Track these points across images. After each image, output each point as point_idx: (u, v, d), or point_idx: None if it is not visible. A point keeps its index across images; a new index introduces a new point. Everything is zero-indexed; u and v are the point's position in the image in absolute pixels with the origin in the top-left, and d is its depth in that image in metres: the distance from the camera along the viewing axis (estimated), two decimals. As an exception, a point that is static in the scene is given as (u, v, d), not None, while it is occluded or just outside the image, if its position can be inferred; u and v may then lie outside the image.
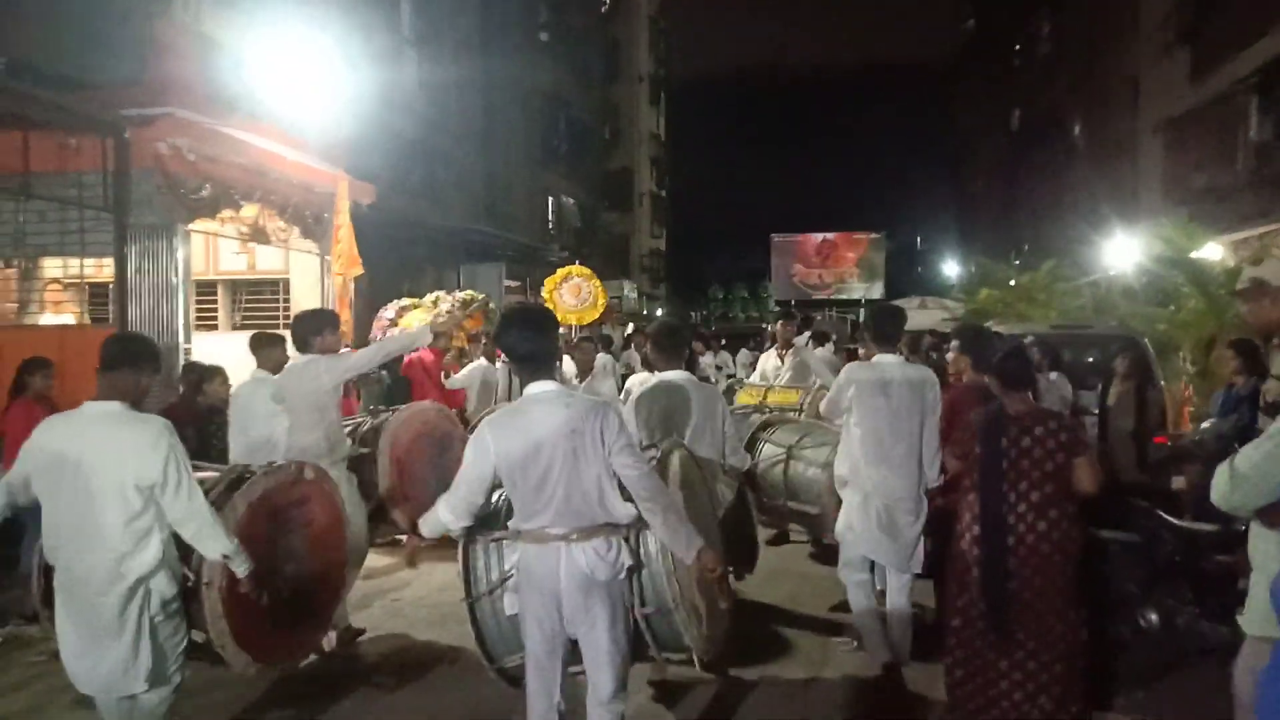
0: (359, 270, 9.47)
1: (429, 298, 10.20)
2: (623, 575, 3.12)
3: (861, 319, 13.89)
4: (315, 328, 5.08)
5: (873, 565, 4.76)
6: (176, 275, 7.93)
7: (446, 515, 3.20)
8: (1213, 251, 11.57)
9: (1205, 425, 6.42)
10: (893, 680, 4.50)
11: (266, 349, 5.51)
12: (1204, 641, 4.26)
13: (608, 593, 3.08)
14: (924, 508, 4.56)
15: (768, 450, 6.05)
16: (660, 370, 4.68)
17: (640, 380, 6.27)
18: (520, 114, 23.44)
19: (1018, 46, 30.66)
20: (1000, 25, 32.96)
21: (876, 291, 36.29)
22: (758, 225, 56.78)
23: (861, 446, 4.59)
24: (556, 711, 3.16)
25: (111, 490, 3.11)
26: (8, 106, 6.94)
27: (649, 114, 41.52)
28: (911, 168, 63.72)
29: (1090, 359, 8.87)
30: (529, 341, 3.17)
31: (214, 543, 3.29)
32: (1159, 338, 10.15)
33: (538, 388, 3.11)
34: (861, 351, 5.93)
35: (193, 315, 8.55)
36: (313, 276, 10.10)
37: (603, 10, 34.23)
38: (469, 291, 10.74)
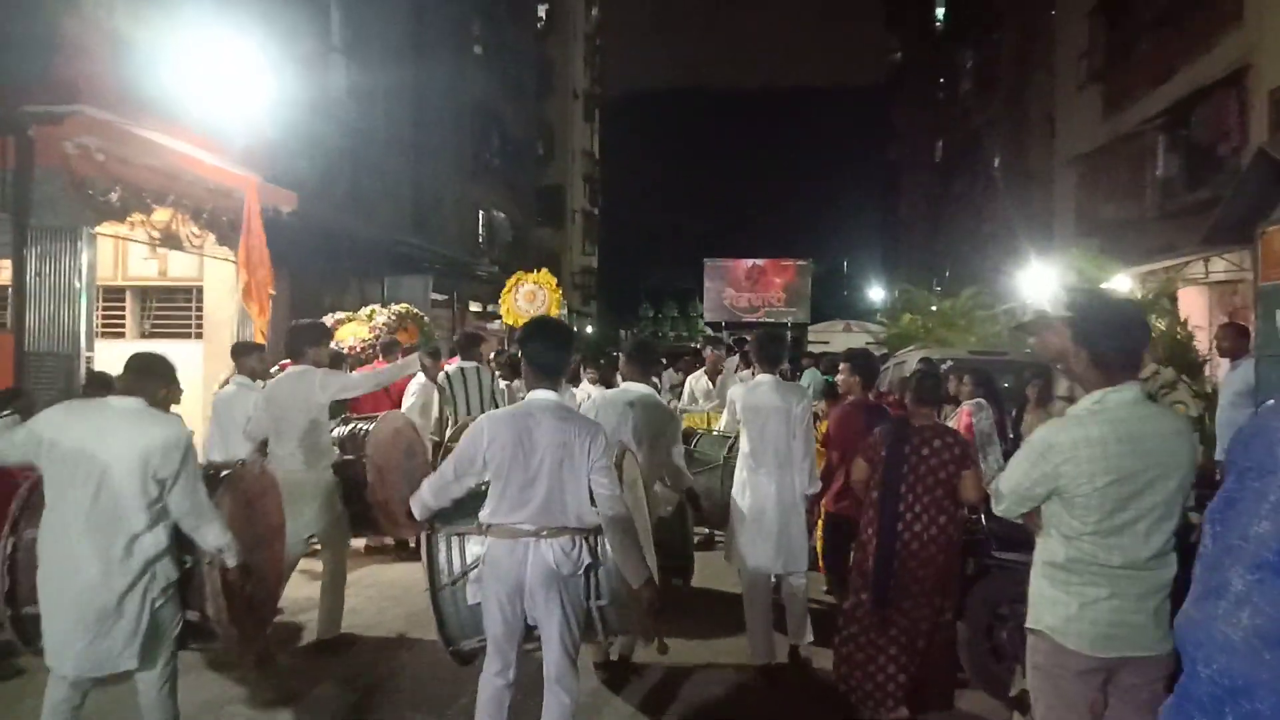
0: (269, 284, 9.07)
1: (363, 311, 10.20)
2: (581, 571, 3.41)
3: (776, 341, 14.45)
4: (313, 338, 5.33)
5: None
6: (80, 280, 7.59)
7: (429, 497, 3.52)
8: (1122, 282, 12.02)
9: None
10: (795, 662, 5.06)
11: (246, 356, 6.06)
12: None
13: (567, 586, 3.38)
14: (801, 511, 5.04)
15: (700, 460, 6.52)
16: (629, 381, 5.16)
17: (592, 392, 6.56)
18: (452, 126, 23.22)
19: (941, 80, 31.64)
20: (924, 58, 34.01)
21: (803, 315, 37.66)
22: (689, 244, 57.31)
23: (745, 458, 5.11)
24: (509, 688, 3.47)
25: (133, 478, 3.27)
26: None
27: (583, 130, 41.62)
28: (840, 192, 65.21)
29: (1005, 384, 9.08)
30: (550, 353, 3.54)
31: (212, 536, 3.49)
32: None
33: (541, 395, 3.45)
34: (750, 373, 6.55)
35: (97, 322, 8.19)
36: (228, 284, 9.77)
37: (538, 26, 34.24)
38: (403, 305, 10.78)
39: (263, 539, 4.23)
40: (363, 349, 9.23)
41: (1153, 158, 14.74)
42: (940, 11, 33.09)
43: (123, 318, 10.09)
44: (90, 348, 7.70)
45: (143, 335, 10.11)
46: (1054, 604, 2.70)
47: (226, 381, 6.39)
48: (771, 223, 68.11)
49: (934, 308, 18.59)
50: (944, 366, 7.39)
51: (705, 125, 74.95)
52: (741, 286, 42.52)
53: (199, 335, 9.90)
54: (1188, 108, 13.52)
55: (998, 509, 2.91)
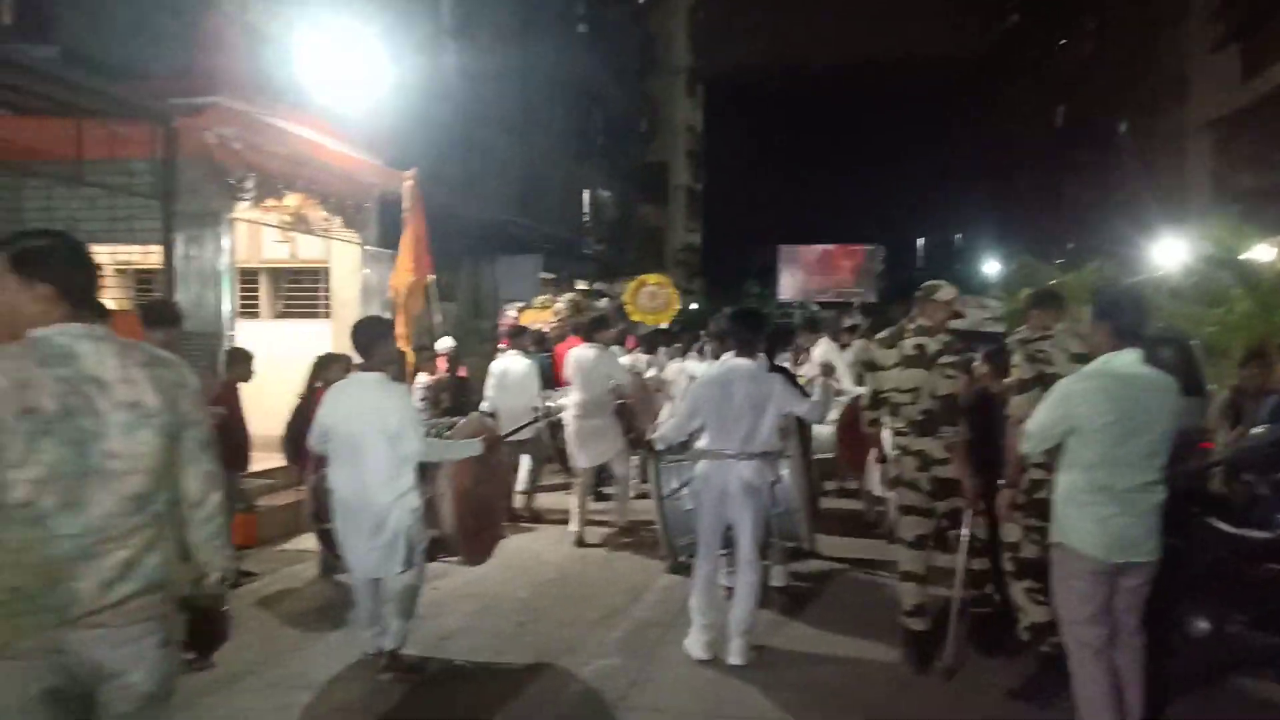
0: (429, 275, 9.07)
1: (539, 300, 12.55)
2: (767, 485, 4.84)
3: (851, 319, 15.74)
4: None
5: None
6: (221, 263, 8.02)
7: (670, 434, 5.14)
8: (1264, 253, 11.30)
9: (1255, 431, 6.26)
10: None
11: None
12: (1255, 653, 4.19)
13: (757, 495, 4.77)
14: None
15: None
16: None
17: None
18: (557, 106, 23.45)
19: (1061, 43, 30.16)
20: (1043, 21, 32.45)
21: (871, 295, 40.60)
22: (794, 219, 56.43)
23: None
24: (715, 570, 5.00)
25: (381, 431, 4.38)
26: (61, 95, 7.04)
27: (686, 107, 41.40)
28: (950, 164, 62.95)
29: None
30: (745, 331, 4.98)
31: (449, 453, 4.77)
32: (1207, 340, 9.93)
33: (740, 363, 4.84)
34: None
35: (237, 302, 8.65)
36: (352, 265, 10.18)
37: (641, 2, 34.12)
38: (573, 294, 13.61)
39: (485, 475, 5.26)
40: (552, 330, 10.35)
41: (1299, 119, 13.78)
42: (1060, -29, 31.48)
43: (257, 298, 10.62)
44: (232, 327, 8.15)
45: (276, 315, 10.63)
46: (1077, 522, 3.48)
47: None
48: (877, 196, 66.39)
49: (1054, 282, 17.85)
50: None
51: (809, 98, 73.27)
52: (813, 270, 46.90)
53: (326, 314, 10.35)
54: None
55: (1025, 447, 3.71)
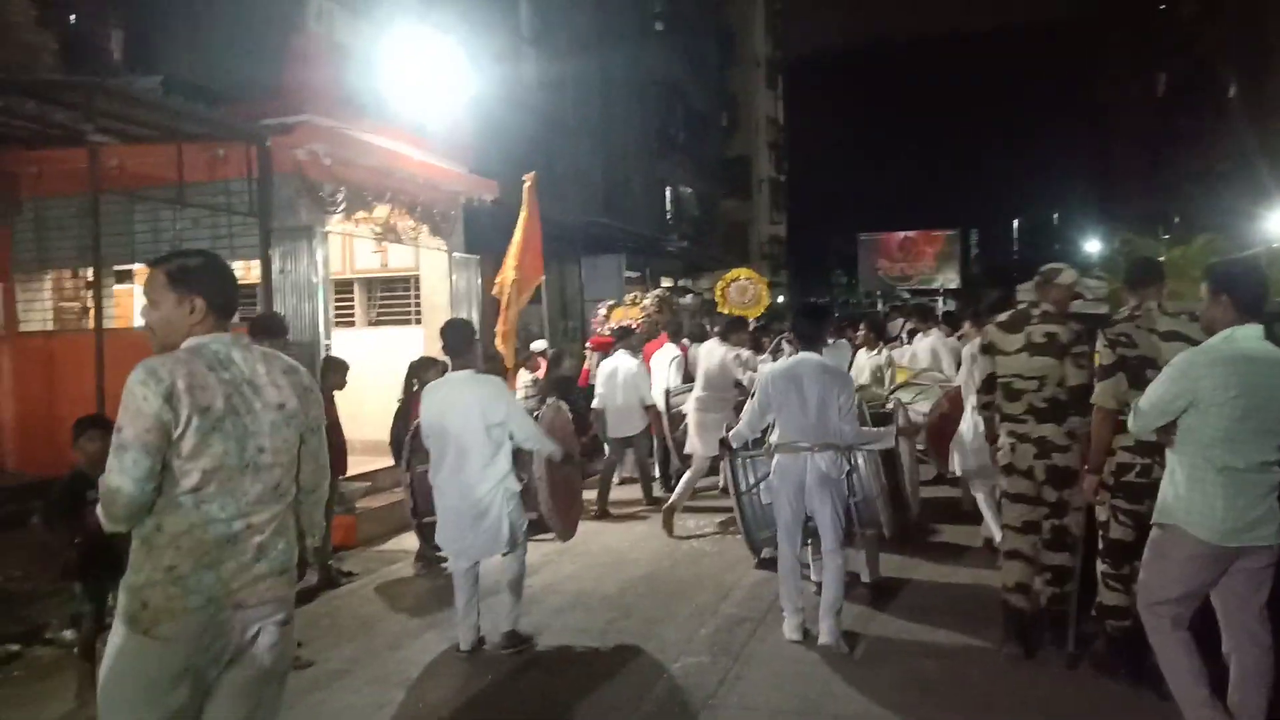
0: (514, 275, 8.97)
1: (628, 298, 12.53)
2: (843, 475, 4.87)
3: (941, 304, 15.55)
4: (470, 335, 5.20)
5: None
6: (317, 275, 8.31)
7: (746, 430, 5.14)
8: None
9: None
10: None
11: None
12: None
13: (835, 486, 4.84)
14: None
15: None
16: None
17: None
18: (637, 105, 23.53)
19: (1162, 5, 28.76)
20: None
21: (953, 281, 40.99)
22: (883, 206, 55.27)
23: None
24: (799, 562, 5.05)
25: (478, 422, 4.73)
26: (165, 121, 7.43)
27: (766, 98, 41.02)
28: (1043, 139, 60.65)
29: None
30: (808, 326, 5.17)
31: (545, 445, 5.00)
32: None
33: (808, 357, 4.96)
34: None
35: (332, 312, 8.96)
36: (441, 272, 10.42)
37: (717, -3, 33.92)
38: (658, 290, 13.85)
39: (564, 459, 5.50)
40: (639, 326, 10.62)
41: None
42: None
43: (352, 308, 10.98)
44: (328, 336, 8.44)
45: (369, 323, 10.97)
46: (1187, 501, 3.36)
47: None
48: (970, 177, 64.50)
49: (1161, 258, 17.03)
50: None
51: (893, 79, 71.36)
52: (895, 257, 46.46)
53: (418, 321, 10.63)
54: None
55: (1135, 425, 3.56)
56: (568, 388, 9.58)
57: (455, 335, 5.08)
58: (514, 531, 4.87)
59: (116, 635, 2.38)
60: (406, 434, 6.03)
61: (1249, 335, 3.34)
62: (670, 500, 7.68)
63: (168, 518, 2.34)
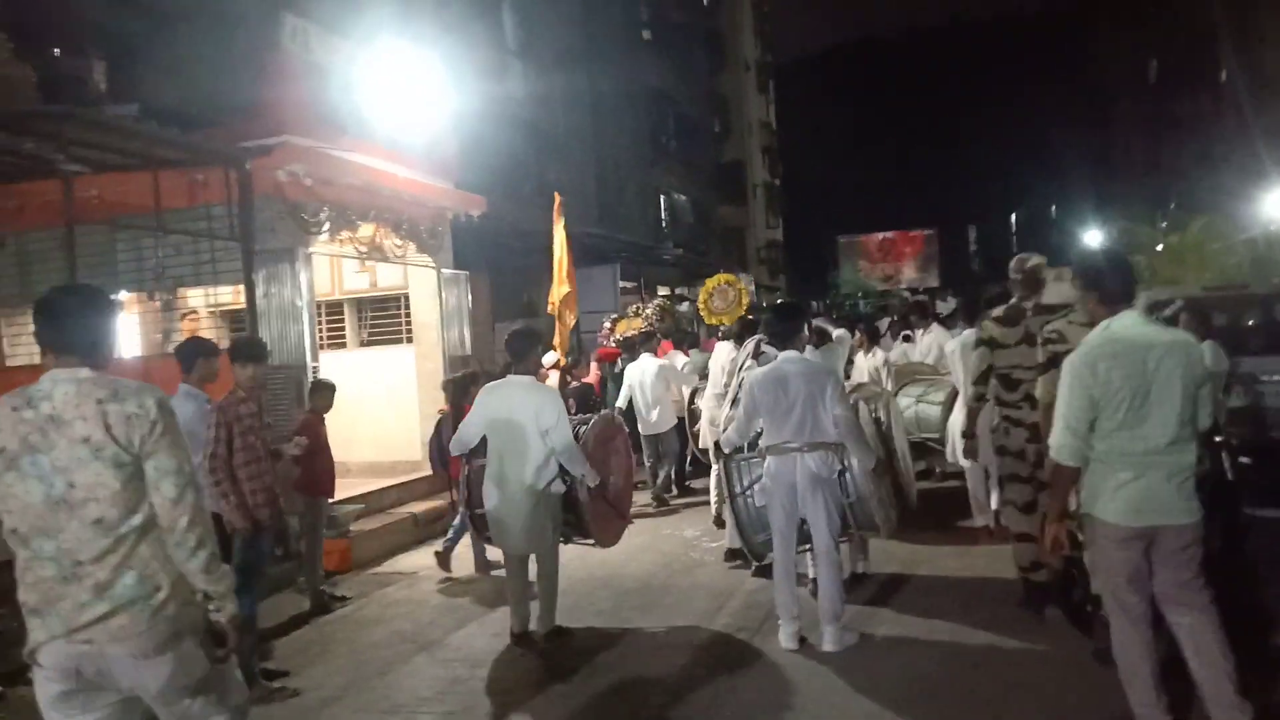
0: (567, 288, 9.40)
1: (630, 309, 12.79)
2: (835, 475, 4.81)
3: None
4: (534, 343, 5.53)
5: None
6: (301, 297, 8.22)
7: (736, 436, 5.16)
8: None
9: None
10: None
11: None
12: None
13: (827, 486, 4.79)
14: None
15: (902, 400, 7.92)
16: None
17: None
18: (627, 114, 23.48)
19: (1151, -8, 28.67)
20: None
21: (932, 280, 41.72)
22: (879, 205, 55.14)
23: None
24: (794, 565, 4.95)
25: (532, 426, 5.03)
26: (141, 149, 7.34)
27: (758, 102, 40.96)
28: (1039, 130, 60.50)
29: (1251, 321, 8.12)
30: (782, 323, 5.12)
31: (577, 467, 5.14)
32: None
33: (791, 355, 4.94)
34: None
35: (319, 334, 8.85)
36: (430, 289, 10.32)
37: (704, 2, 33.91)
38: (660, 299, 13.93)
39: (614, 466, 5.80)
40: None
41: None
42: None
43: (343, 329, 10.89)
44: (315, 358, 8.32)
45: (361, 344, 10.88)
46: (1097, 490, 3.42)
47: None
48: (962, 173, 64.36)
49: (1159, 246, 16.92)
50: (1172, 308, 6.78)
51: (885, 74, 71.23)
52: (874, 259, 47.19)
53: (409, 339, 10.53)
54: None
55: (1064, 457, 3.45)
56: (587, 396, 9.75)
57: (520, 341, 5.39)
58: (555, 530, 5.20)
59: None
60: (446, 443, 6.42)
61: (1124, 323, 3.40)
62: (715, 510, 7.50)
63: (15, 556, 2.46)
